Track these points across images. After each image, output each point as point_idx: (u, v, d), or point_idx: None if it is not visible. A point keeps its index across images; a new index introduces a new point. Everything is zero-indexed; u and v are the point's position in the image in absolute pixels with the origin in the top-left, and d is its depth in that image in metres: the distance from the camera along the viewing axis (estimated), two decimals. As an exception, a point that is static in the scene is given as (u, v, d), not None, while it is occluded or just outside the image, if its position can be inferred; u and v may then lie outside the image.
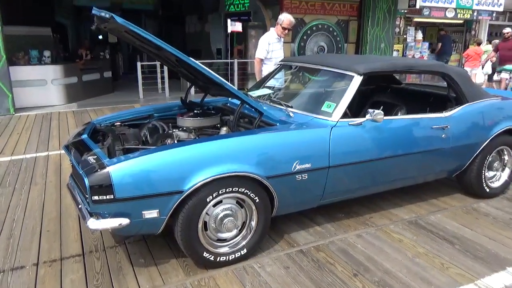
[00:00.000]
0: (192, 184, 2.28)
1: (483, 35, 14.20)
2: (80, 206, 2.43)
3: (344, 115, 2.85)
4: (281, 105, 3.11)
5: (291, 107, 3.03)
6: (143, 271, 2.54)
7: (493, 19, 14.03)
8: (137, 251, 2.76)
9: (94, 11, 2.49)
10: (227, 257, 2.54)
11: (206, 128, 3.12)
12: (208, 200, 2.38)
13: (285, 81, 3.86)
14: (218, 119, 3.18)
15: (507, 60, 8.92)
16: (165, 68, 10.26)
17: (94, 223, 2.23)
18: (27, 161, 4.88)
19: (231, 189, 2.43)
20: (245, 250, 2.59)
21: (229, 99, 3.72)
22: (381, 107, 2.87)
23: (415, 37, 12.93)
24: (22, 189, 3.96)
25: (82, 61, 10.53)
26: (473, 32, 14.19)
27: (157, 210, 2.29)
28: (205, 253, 2.46)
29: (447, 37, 13.08)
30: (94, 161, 2.33)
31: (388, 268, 2.54)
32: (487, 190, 3.62)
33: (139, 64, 9.95)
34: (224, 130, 2.92)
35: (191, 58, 2.52)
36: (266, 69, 4.98)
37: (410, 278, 2.44)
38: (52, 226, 3.16)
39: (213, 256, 2.49)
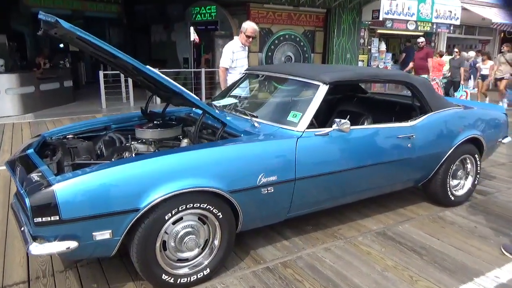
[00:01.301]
0: (148, 201, 2.11)
1: (442, 47, 14.78)
2: (23, 229, 2.18)
3: (311, 125, 2.77)
4: (246, 115, 2.99)
5: (257, 117, 2.91)
6: (96, 297, 2.32)
7: (451, 32, 14.66)
8: (89, 275, 2.54)
9: (41, 15, 2.30)
10: (188, 278, 2.37)
11: (166, 140, 2.94)
12: (166, 217, 2.21)
13: (251, 90, 3.75)
14: (180, 130, 3.02)
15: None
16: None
17: (36, 248, 2.00)
18: (-27, 177, 4.49)
19: (192, 205, 2.27)
20: (208, 270, 2.43)
21: (193, 109, 3.57)
22: (348, 117, 2.82)
23: (378, 48, 13.27)
24: (-35, 208, 3.62)
25: (40, 70, 10.05)
26: (432, 44, 14.74)
27: (110, 231, 2.09)
28: (164, 275, 2.28)
29: (410, 49, 13.50)
30: (38, 178, 2.11)
31: (357, 283, 2.44)
32: (452, 198, 3.64)
33: (101, 73, 9.59)
34: (185, 142, 2.76)
35: (148, 67, 2.36)
36: (231, 78, 4.87)
37: (379, 293, 2.35)
38: (-4, 250, 2.87)
39: (173, 278, 2.31)
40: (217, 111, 2.97)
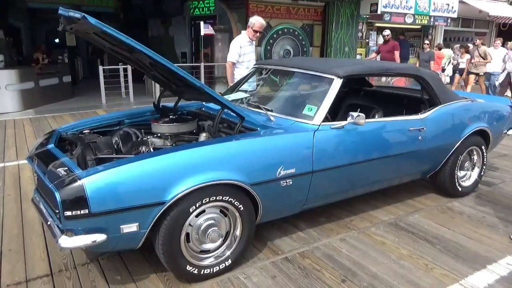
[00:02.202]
0: (174, 195, 2.15)
1: (439, 40, 14.86)
2: (49, 223, 2.22)
3: (324, 119, 2.81)
4: (260, 109, 3.03)
5: (271, 111, 2.96)
6: (121, 288, 2.36)
7: (448, 25, 14.74)
8: (112, 268, 2.57)
9: (61, 11, 2.31)
10: (211, 269, 2.42)
11: (183, 134, 2.98)
12: (191, 210, 2.25)
13: (262, 85, 3.78)
14: (195, 124, 3.05)
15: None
16: (129, 72, 9.94)
17: (66, 241, 2.04)
18: (-19, 173, 4.50)
19: (214, 198, 2.31)
20: (229, 261, 2.48)
21: (204, 103, 3.60)
22: (358, 110, 2.86)
23: (376, 41, 13.31)
24: (-22, 204, 3.63)
25: (39, 65, 9.98)
26: (430, 37, 14.82)
27: (137, 224, 2.13)
28: (188, 266, 2.33)
29: (405, 42, 13.55)
30: (65, 173, 2.14)
31: (375, 272, 2.51)
32: (460, 189, 3.72)
33: (101, 68, 9.56)
34: (203, 136, 2.79)
35: (169, 61, 2.38)
36: (238, 73, 4.89)
37: (397, 281, 2.42)
38: (14, 245, 2.89)
39: (197, 269, 2.36)
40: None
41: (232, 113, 2.71)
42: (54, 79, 9.84)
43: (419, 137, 3.22)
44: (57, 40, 16.09)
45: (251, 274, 2.48)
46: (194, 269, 2.35)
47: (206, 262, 2.42)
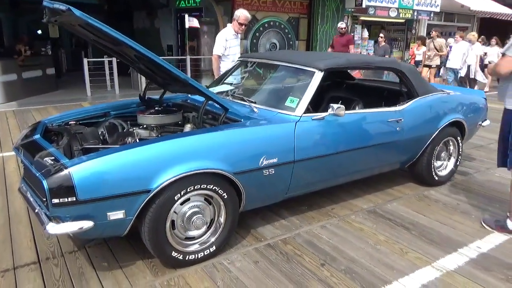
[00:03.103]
0: (159, 183, 2.22)
1: (423, 34, 15.09)
2: (36, 211, 2.27)
3: (306, 110, 2.90)
4: (244, 100, 3.11)
5: (255, 102, 3.04)
6: (108, 275, 2.43)
7: (431, 19, 14.97)
8: (99, 255, 2.64)
9: (46, 3, 2.34)
10: (196, 255, 2.50)
11: (168, 126, 3.04)
12: (176, 198, 2.33)
13: (246, 77, 3.85)
14: (180, 116, 3.12)
15: None
16: (114, 64, 9.87)
17: (54, 228, 2.10)
18: (-36, 165, 4.48)
19: (199, 186, 2.39)
20: (214, 247, 2.57)
21: (189, 95, 3.66)
22: (339, 102, 2.97)
23: (361, 35, 13.46)
24: (-38, 195, 3.63)
25: (21, 57, 9.82)
26: (413, 31, 15.04)
27: (123, 211, 2.20)
28: (173, 252, 2.41)
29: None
30: (52, 162, 2.19)
31: (353, 256, 2.64)
32: (436, 178, 3.88)
33: (85, 60, 9.46)
34: (188, 127, 2.87)
35: (154, 54, 2.43)
36: (224, 66, 4.95)
37: (373, 264, 2.55)
38: (1, 235, 2.93)
39: (182, 255, 2.45)
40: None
41: (216, 105, 2.79)
42: (37, 71, 9.72)
43: (397, 128, 3.35)
44: (39, 32, 15.80)
45: (235, 259, 2.58)
46: (179, 255, 2.43)
47: (191, 249, 2.50)
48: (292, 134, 2.73)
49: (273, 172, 2.67)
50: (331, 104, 2.85)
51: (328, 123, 2.93)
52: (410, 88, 3.58)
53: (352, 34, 11.05)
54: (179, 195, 2.33)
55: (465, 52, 9.36)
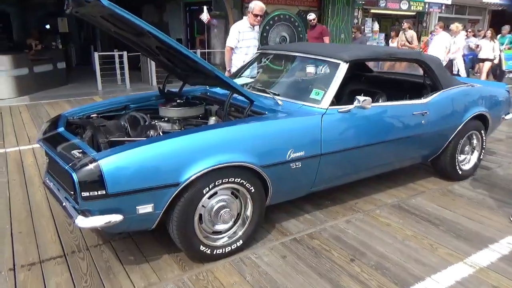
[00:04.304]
0: (188, 176, 2.18)
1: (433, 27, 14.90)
2: (64, 204, 2.24)
3: (330, 103, 2.84)
4: (266, 93, 3.05)
5: (278, 95, 2.98)
6: (135, 268, 2.40)
7: (442, 11, 14.78)
8: (124, 248, 2.62)
9: None
10: (224, 250, 2.47)
11: (190, 118, 3.00)
12: (204, 192, 2.29)
13: (267, 70, 3.79)
14: (203, 109, 3.07)
15: None
16: (125, 58, 9.83)
17: (83, 221, 2.07)
18: (-18, 159, 4.48)
19: (227, 179, 2.35)
20: (241, 242, 2.53)
21: (208, 88, 3.61)
22: (362, 94, 2.90)
23: (372, 28, 13.32)
24: (-18, 189, 3.63)
25: (32, 52, 9.83)
26: (424, 24, 14.86)
27: (152, 205, 2.17)
28: (201, 246, 2.38)
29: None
30: (80, 155, 2.16)
31: (382, 251, 2.59)
32: (460, 172, 3.81)
33: (96, 54, 9.45)
34: (213, 120, 2.82)
35: (182, 46, 2.38)
36: (236, 58, 4.88)
37: (404, 260, 2.50)
38: (24, 228, 2.92)
39: (209, 249, 2.41)
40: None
41: (239, 97, 2.74)
42: (48, 65, 9.72)
43: (422, 121, 3.28)
44: (48, 26, 15.82)
45: (262, 254, 2.54)
46: (207, 249, 2.40)
47: (219, 243, 2.47)
48: (318, 127, 2.68)
49: (300, 165, 2.62)
50: (357, 97, 2.79)
51: (354, 116, 2.87)
52: (434, 80, 3.50)
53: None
54: (207, 188, 2.29)
55: (447, 45, 8.46)
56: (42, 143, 2.57)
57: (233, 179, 2.38)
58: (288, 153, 2.54)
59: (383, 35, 13.83)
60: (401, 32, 9.45)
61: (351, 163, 3.03)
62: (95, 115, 3.06)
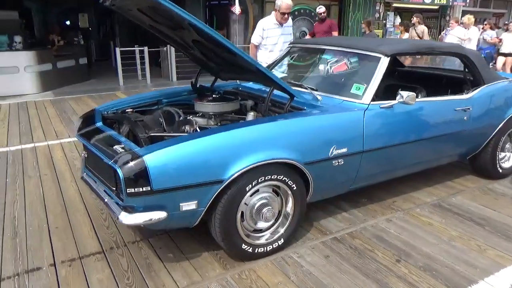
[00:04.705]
0: (232, 173, 2.12)
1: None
2: (106, 200, 2.21)
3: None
4: (303, 88, 2.97)
5: (316, 90, 2.90)
6: (176, 266, 2.36)
7: (467, 4, 14.40)
8: (162, 245, 2.58)
9: None
10: (265, 248, 2.41)
11: (226, 114, 2.94)
12: (247, 189, 2.23)
13: (300, 64, 3.70)
14: (238, 104, 3.01)
15: None
16: (146, 54, 9.85)
17: (127, 218, 2.03)
18: (12, 153, 4.51)
19: (270, 177, 2.29)
20: (282, 240, 2.47)
21: (240, 83, 3.55)
22: (399, 89, 2.79)
23: (394, 23, 13.06)
24: (15, 183, 3.65)
25: (55, 47, 9.93)
26: (447, 18, 14.49)
27: (196, 202, 2.12)
28: (243, 245, 2.32)
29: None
30: (123, 150, 2.12)
31: (428, 252, 2.49)
32: (500, 171, 3.67)
33: (118, 50, 9.48)
34: (251, 115, 2.75)
35: (225, 38, 2.31)
36: (260, 55, 4.79)
37: (452, 261, 2.40)
38: (60, 222, 2.91)
39: (251, 248, 2.36)
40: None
41: (276, 92, 2.65)
42: (70, 61, 9.81)
43: (465, 118, 3.16)
44: (68, 22, 15.98)
45: (304, 253, 2.47)
46: (249, 247, 2.34)
47: (260, 241, 2.41)
48: (361, 122, 2.59)
49: (342, 162, 2.54)
50: (400, 92, 2.69)
51: (396, 111, 2.77)
52: (476, 75, 3.36)
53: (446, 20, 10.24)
54: (250, 186, 2.23)
55: (460, 39, 8.26)
56: (81, 138, 2.55)
57: (276, 176, 2.31)
58: (331, 149, 2.46)
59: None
60: (411, 28, 9.17)
61: (391, 160, 2.93)
62: (130, 110, 3.02)
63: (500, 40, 9.47)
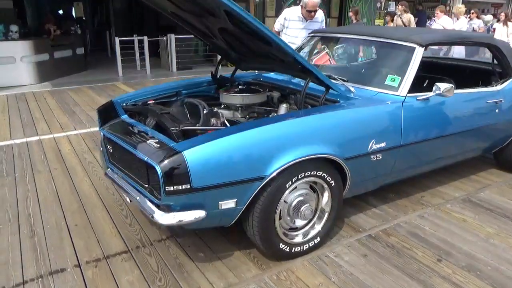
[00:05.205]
0: (274, 169, 2.00)
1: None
2: (138, 198, 2.08)
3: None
4: (333, 79, 2.84)
5: (346, 81, 2.77)
6: (208, 266, 2.25)
7: (467, -5, 14.31)
8: (190, 244, 2.46)
9: None
10: (302, 247, 2.30)
11: (253, 106, 2.81)
12: (287, 186, 2.12)
13: (325, 54, 3.57)
14: (265, 96, 2.87)
15: None
16: (145, 43, 9.60)
17: (165, 218, 1.91)
18: (18, 147, 4.33)
19: (309, 173, 2.17)
20: (318, 239, 2.36)
21: (257, 72, 3.43)
22: (426, 81, 2.69)
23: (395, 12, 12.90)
24: (25, 178, 3.49)
25: (52, 37, 9.63)
26: (447, 8, 14.39)
27: (235, 200, 2.00)
28: (281, 244, 2.21)
29: (422, 13, 13.15)
30: (158, 145, 1.98)
31: (468, 251, 2.41)
32: (526, 165, 3.60)
33: (117, 39, 9.22)
34: (284, 108, 2.63)
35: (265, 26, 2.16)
36: None
37: (495, 261, 2.32)
38: (79, 220, 2.77)
39: (288, 247, 2.25)
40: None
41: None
42: (67, 51, 9.54)
43: (496, 110, 3.07)
44: (60, 12, 15.60)
45: (340, 252, 2.37)
46: (286, 247, 2.24)
47: (297, 240, 2.30)
48: (399, 116, 2.48)
49: (380, 157, 2.44)
50: (437, 84, 2.58)
51: (432, 104, 2.67)
52: (505, 67, 3.27)
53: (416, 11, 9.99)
54: (290, 182, 2.12)
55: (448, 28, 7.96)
56: (107, 132, 2.39)
57: (315, 172, 2.20)
58: (370, 144, 2.35)
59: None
60: (396, 17, 8.95)
61: (423, 155, 2.83)
62: (152, 101, 2.88)
63: (494, 30, 9.36)
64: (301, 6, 4.40)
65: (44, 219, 2.78)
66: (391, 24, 9.07)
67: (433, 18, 9.08)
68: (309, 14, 4.37)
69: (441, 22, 7.97)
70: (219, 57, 11.45)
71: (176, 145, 1.93)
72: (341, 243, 2.47)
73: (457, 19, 8.22)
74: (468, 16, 10.11)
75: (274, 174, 2.01)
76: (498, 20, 9.59)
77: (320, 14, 4.57)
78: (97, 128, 4.92)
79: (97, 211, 2.90)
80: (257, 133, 2.01)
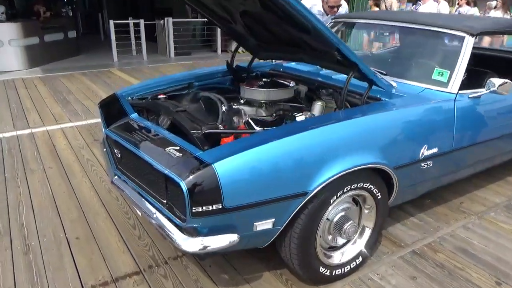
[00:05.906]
0: (318, 183, 1.67)
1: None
2: (155, 216, 1.73)
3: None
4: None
5: (385, 74, 2.43)
6: (235, 292, 1.94)
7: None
8: (211, 263, 2.14)
9: None
10: (342, 269, 1.99)
11: (279, 102, 2.45)
12: (331, 201, 1.79)
13: (351, 44, 3.21)
14: (293, 91, 2.52)
15: None
16: (142, 27, 9.11)
17: (192, 244, 1.57)
18: (7, 141, 3.95)
19: (356, 185, 1.85)
20: (360, 258, 2.05)
21: (275, 62, 3.07)
22: (466, 75, 2.36)
23: (399, -2, 12.49)
24: (16, 179, 3.12)
25: (41, 19, 9.08)
26: (452, -4, 14.01)
27: (273, 220, 1.67)
28: (321, 267, 1.90)
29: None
30: (180, 154, 1.64)
31: (528, 271, 2.13)
32: None
33: (112, 22, 8.71)
34: (319, 105, 2.28)
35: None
36: None
37: (561, 283, 2.04)
38: (80, 231, 2.43)
39: (329, 271, 1.93)
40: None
41: (337, 77, 2.19)
42: (58, 34, 9.01)
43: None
44: (51, -8, 14.86)
45: (385, 273, 2.07)
46: (326, 270, 1.92)
47: (337, 261, 1.99)
48: (452, 117, 2.16)
49: (431, 164, 2.13)
50: (491, 79, 2.25)
51: (485, 102, 2.35)
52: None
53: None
54: (335, 197, 1.79)
55: None
56: (115, 135, 2.02)
57: (362, 184, 1.88)
58: (422, 150, 2.03)
59: (410, 4, 13.00)
60: (381, 2, 8.55)
61: (469, 159, 2.52)
62: (163, 96, 2.51)
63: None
64: (323, 1, 4.03)
65: (40, 230, 2.43)
66: (375, 9, 8.46)
67: (418, 2, 8.68)
68: (331, 10, 4.00)
69: (426, 7, 7.50)
70: (219, 41, 11.02)
71: (203, 154, 1.59)
72: (383, 261, 2.17)
73: (438, 3, 7.81)
74: (458, 2, 9.65)
75: (319, 188, 1.68)
76: (495, 7, 9.21)
77: (344, 7, 4.21)
78: (94, 120, 4.56)
79: (99, 220, 2.56)
80: (300, 140, 1.67)
